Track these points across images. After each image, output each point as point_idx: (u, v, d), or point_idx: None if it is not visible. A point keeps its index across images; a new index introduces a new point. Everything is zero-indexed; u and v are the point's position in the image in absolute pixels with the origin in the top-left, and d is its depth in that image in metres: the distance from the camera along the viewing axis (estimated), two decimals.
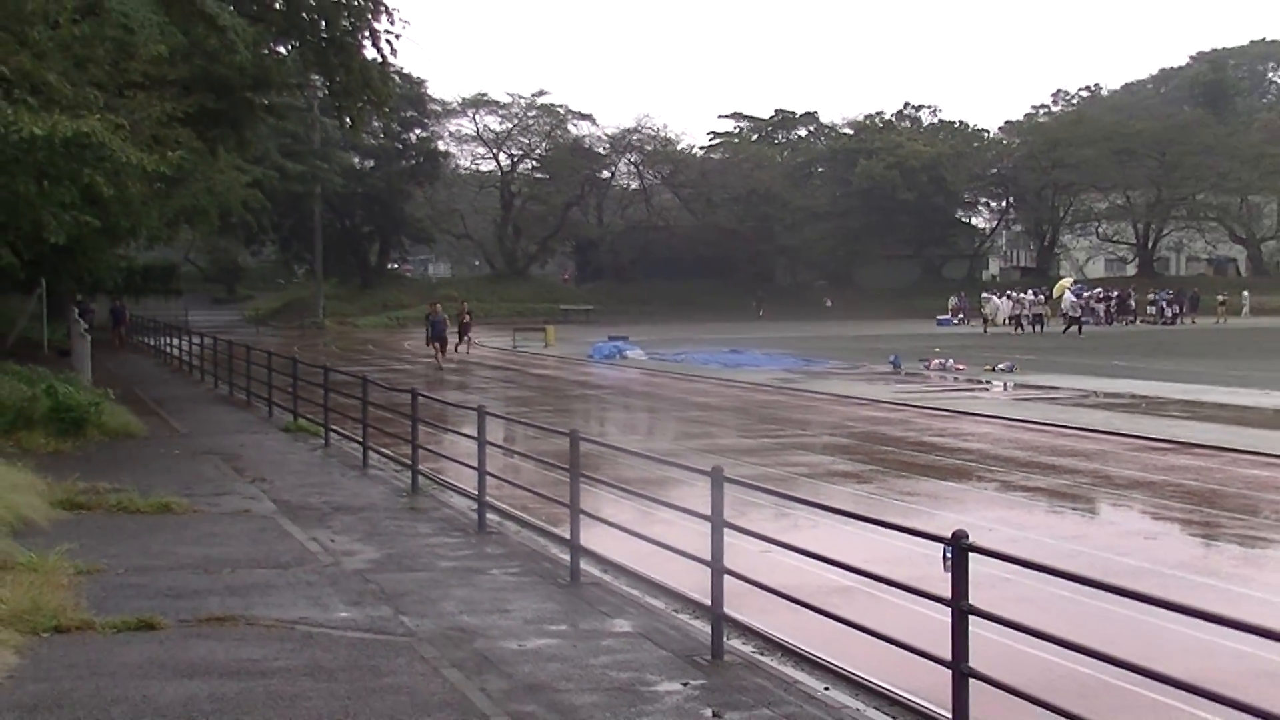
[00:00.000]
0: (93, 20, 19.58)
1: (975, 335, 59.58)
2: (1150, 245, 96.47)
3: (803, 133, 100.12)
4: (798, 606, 8.49)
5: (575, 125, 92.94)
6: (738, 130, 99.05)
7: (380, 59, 30.50)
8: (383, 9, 29.57)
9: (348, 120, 33.50)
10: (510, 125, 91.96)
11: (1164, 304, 75.28)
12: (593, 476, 13.52)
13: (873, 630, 7.67)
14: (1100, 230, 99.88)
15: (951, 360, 39.62)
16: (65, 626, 9.69)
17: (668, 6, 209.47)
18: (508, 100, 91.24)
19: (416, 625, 10.15)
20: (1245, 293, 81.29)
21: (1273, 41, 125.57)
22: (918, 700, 7.97)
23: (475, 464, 14.54)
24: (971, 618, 6.73)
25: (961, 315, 73.87)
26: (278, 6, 29.37)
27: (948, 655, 6.78)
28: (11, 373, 24.26)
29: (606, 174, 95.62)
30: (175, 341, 43.67)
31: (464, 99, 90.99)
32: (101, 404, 22.56)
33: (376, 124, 64.43)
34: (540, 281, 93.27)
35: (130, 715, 7.82)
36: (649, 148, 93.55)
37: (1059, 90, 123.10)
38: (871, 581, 7.77)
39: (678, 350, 47.83)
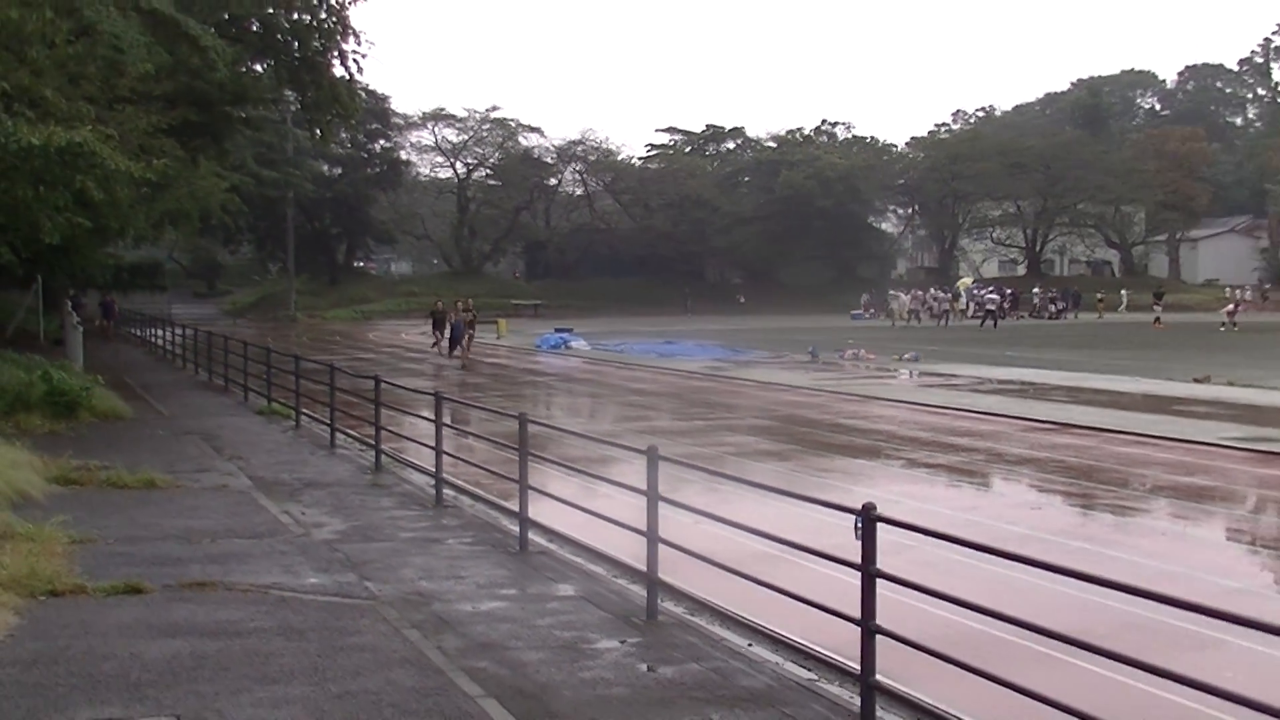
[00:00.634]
0: (86, 40, 19.43)
1: (884, 328, 59.93)
2: (1038, 249, 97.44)
3: (731, 145, 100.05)
4: (725, 572, 8.51)
5: (525, 137, 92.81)
6: (672, 142, 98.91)
7: (348, 76, 30.45)
8: (350, 31, 29.52)
9: (318, 131, 33.38)
10: (466, 137, 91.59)
11: (1051, 300, 76.52)
12: (540, 455, 13.49)
13: (791, 593, 7.70)
14: (994, 235, 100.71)
15: (863, 350, 39.83)
16: (60, 590, 9.63)
17: (612, 29, 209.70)
18: (464, 114, 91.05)
19: (379, 590, 10.10)
20: (1124, 291, 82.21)
21: (1141, 71, 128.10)
22: (831, 655, 8.01)
23: (433, 444, 14.49)
24: (879, 581, 6.77)
25: (872, 310, 74.32)
26: (255, 29, 29.17)
27: (858, 614, 6.83)
28: (10, 360, 23.98)
29: (554, 181, 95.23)
30: (160, 332, 43.22)
31: (424, 113, 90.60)
32: (92, 389, 22.37)
33: (344, 135, 64.20)
34: (493, 278, 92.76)
35: (119, 670, 7.76)
36: (592, 158, 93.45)
37: (958, 110, 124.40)
38: (791, 549, 7.81)
39: (618, 341, 47.73)
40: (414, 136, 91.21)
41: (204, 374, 31.76)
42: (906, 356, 38.51)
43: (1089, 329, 62.08)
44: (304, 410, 21.73)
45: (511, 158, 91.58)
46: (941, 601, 6.71)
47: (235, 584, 10.14)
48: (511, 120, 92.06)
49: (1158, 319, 61.91)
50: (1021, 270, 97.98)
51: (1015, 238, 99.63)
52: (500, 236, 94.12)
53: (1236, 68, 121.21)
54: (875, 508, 6.75)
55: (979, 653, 6.99)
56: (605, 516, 10.37)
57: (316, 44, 29.15)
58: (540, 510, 11.90)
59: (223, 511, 13.50)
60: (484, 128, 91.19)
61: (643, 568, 9.37)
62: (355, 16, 29.61)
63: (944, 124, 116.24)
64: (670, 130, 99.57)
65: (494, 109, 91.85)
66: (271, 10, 28.63)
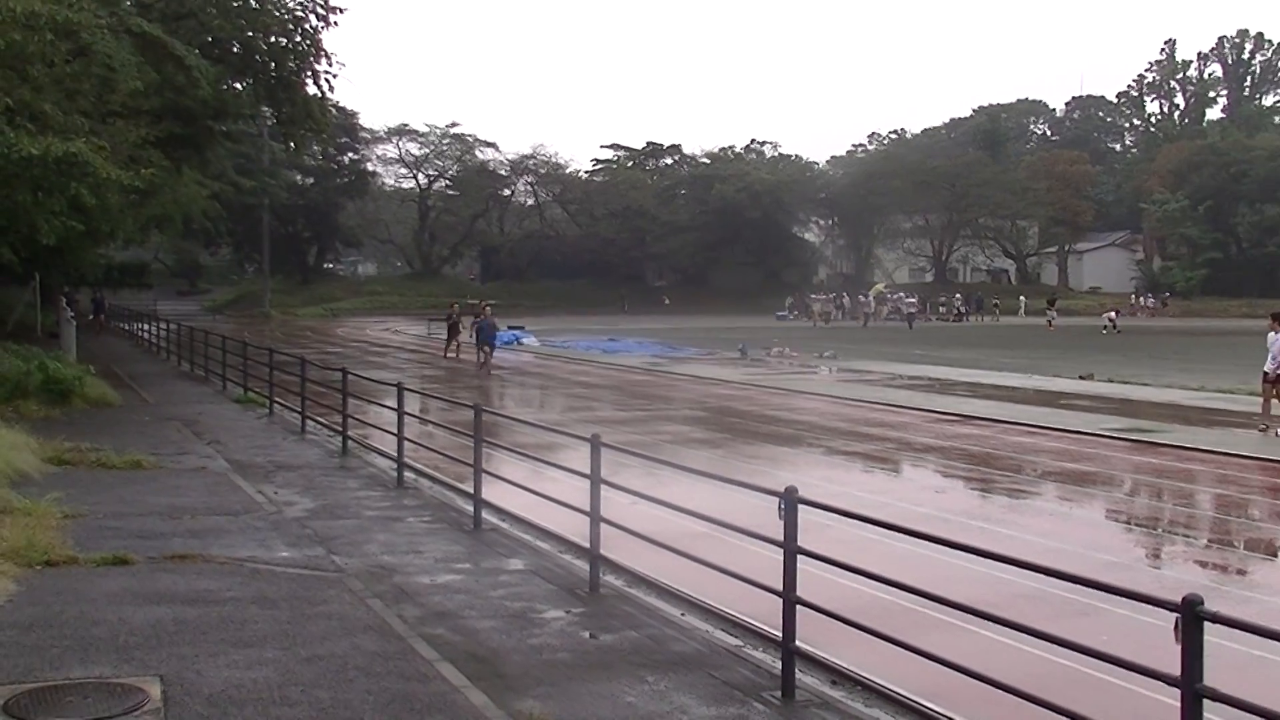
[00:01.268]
0: (82, 60, 19.31)
1: (806, 328, 60.23)
2: (944, 258, 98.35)
3: (669, 161, 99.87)
4: (661, 549, 8.52)
5: (482, 151, 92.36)
6: (616, 158, 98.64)
7: (320, 94, 30.32)
8: (323, 53, 29.44)
9: (292, 144, 33.21)
10: (427, 150, 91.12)
11: (956, 305, 77.49)
12: (493, 442, 13.46)
13: (721, 567, 7.72)
14: (905, 245, 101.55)
15: (787, 348, 40.01)
16: (54, 561, 9.56)
17: (563, 53, 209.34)
18: (426, 130, 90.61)
19: (345, 563, 10.04)
20: (1022, 298, 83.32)
21: (1034, 100, 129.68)
22: (756, 623, 8.04)
23: (395, 431, 14.42)
24: (799, 557, 6.82)
25: (795, 312, 74.68)
26: (235, 50, 28.92)
27: (780, 587, 6.87)
28: (10, 351, 23.65)
29: (507, 192, 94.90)
30: (146, 327, 42.70)
31: (389, 128, 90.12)
32: (84, 378, 22.18)
33: (316, 148, 63.58)
34: (451, 280, 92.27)
35: (109, 634, 7.70)
36: (543, 171, 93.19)
37: (873, 132, 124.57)
38: (721, 528, 7.83)
39: (565, 338, 47.66)
40: (380, 150, 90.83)
41: (186, 365, 31.40)
42: (826, 354, 38.71)
43: (988, 331, 62.78)
44: (277, 399, 21.53)
45: (469, 170, 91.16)
46: (856, 575, 6.75)
47: (213, 557, 10.03)
48: (469, 136, 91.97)
49: (1050, 322, 62.75)
50: (929, 277, 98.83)
51: (924, 248, 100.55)
52: (458, 241, 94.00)
53: (1116, 100, 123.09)
54: (797, 491, 6.79)
55: (889, 621, 7.05)
56: (552, 498, 10.35)
57: (291, 64, 28.98)
58: (493, 492, 11.87)
59: (202, 490, 13.36)
60: (444, 142, 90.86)
61: (586, 544, 9.36)
62: (327, 39, 29.37)
63: (861, 144, 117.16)
64: (614, 146, 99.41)
65: (453, 125, 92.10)
66: (251, 34, 28.43)
